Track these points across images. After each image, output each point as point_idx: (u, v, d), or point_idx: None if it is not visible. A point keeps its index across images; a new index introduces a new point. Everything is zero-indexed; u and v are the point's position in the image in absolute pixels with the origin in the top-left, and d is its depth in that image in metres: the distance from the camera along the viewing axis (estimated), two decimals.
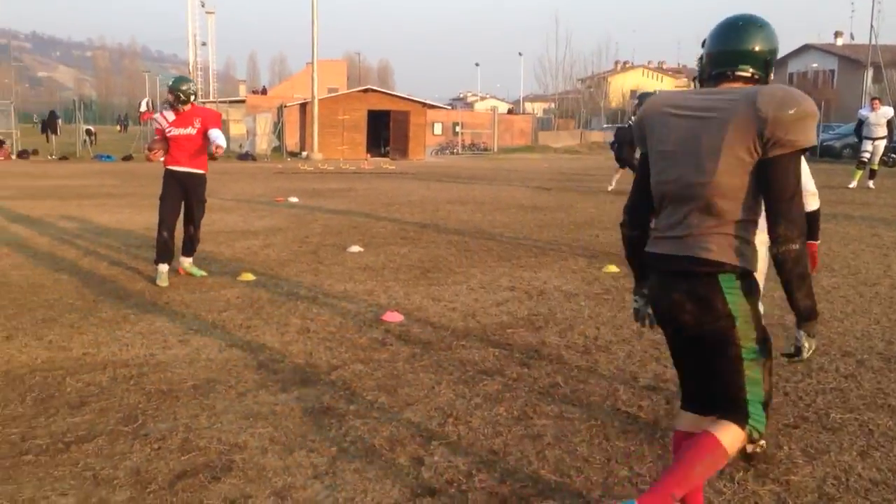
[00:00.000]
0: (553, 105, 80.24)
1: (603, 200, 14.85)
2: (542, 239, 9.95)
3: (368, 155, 35.31)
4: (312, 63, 34.41)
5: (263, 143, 33.13)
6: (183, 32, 65.20)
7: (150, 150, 7.64)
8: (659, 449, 3.65)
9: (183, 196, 7.39)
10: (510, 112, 72.50)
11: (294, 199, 14.37)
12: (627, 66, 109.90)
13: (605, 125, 62.55)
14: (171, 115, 7.34)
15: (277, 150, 34.50)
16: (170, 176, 7.33)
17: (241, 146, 34.14)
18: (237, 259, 8.32)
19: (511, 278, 7.56)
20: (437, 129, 62.63)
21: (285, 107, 36.15)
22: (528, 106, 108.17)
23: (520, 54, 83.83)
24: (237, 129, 36.84)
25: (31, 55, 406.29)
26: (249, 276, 7.34)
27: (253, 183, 18.90)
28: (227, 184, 18.60)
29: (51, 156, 30.44)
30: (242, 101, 47.63)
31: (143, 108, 31.53)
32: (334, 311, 6.18)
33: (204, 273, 7.50)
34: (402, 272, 7.79)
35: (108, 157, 30.28)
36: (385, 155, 36.19)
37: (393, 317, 5.96)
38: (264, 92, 62.69)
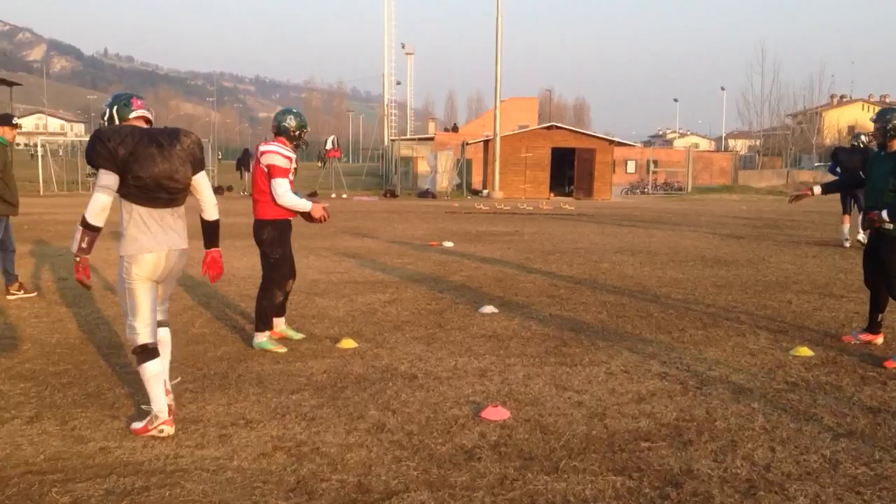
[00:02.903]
0: (758, 142, 75.30)
1: (804, 254, 12.68)
2: (717, 304, 8.23)
3: (552, 194, 34.05)
4: (495, 99, 33.74)
5: (444, 181, 32.75)
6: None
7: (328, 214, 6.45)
8: None
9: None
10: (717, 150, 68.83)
11: (449, 244, 13.36)
12: (845, 99, 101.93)
13: (816, 164, 57.55)
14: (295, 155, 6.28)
15: (460, 187, 34.04)
16: (287, 226, 6.33)
17: (423, 184, 34.03)
18: (349, 319, 7.31)
19: (666, 359, 6.01)
20: (631, 167, 60.58)
21: (467, 144, 35.70)
22: (732, 143, 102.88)
23: (722, 88, 79.65)
24: (421, 167, 36.87)
25: (253, 97, 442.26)
26: (350, 343, 6.27)
27: (418, 223, 18.18)
28: (392, 223, 18.02)
29: (242, 192, 31.59)
30: (431, 139, 48.05)
31: (329, 146, 32.15)
32: (427, 400, 4.95)
33: (302, 335, 6.52)
34: (532, 344, 6.44)
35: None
36: (569, 194, 34.77)
37: (496, 414, 4.64)
38: (455, 129, 63.24)
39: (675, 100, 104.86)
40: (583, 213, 23.00)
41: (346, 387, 5.19)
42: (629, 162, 60.90)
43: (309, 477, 3.74)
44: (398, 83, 67.06)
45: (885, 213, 5.86)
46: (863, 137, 13.82)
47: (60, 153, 38.29)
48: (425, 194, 31.67)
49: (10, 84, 37.15)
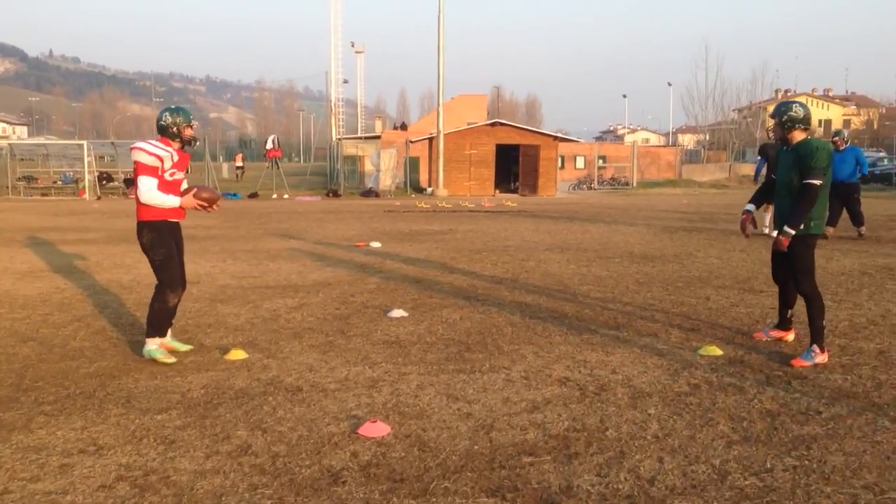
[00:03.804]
0: (705, 136, 76.12)
1: (732, 247, 12.60)
2: (634, 302, 8.03)
3: (497, 191, 33.86)
4: (438, 96, 33.44)
5: (387, 180, 32.35)
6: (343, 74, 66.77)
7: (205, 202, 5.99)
8: None
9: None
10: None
11: (376, 245, 13.01)
12: (789, 94, 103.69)
13: (758, 156, 58.28)
14: (174, 154, 5.88)
15: (404, 185, 33.69)
16: (168, 229, 5.93)
17: (368, 183, 33.61)
18: (248, 327, 6.94)
19: (571, 363, 5.76)
20: (580, 162, 60.75)
21: (412, 142, 35.34)
22: (681, 138, 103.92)
23: (669, 84, 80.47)
24: (368, 166, 36.43)
25: (204, 97, 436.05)
26: (239, 354, 5.91)
27: (353, 223, 17.80)
28: (326, 223, 17.62)
29: None
30: (378, 137, 47.59)
31: (269, 145, 31.57)
32: (305, 416, 4.62)
33: (189, 347, 6.14)
34: (434, 350, 6.15)
35: (234, 195, 30.32)
36: (514, 191, 34.63)
37: (374, 430, 4.33)
38: (404, 127, 62.78)
39: (624, 96, 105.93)
40: (523, 210, 22.83)
41: (221, 403, 4.84)
42: (578, 158, 61.02)
43: None
44: (345, 81, 66.58)
45: (785, 232, 5.66)
46: (844, 134, 13.82)
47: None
48: (368, 193, 31.25)
49: None
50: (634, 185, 40.85)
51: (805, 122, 5.70)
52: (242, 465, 3.89)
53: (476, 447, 4.16)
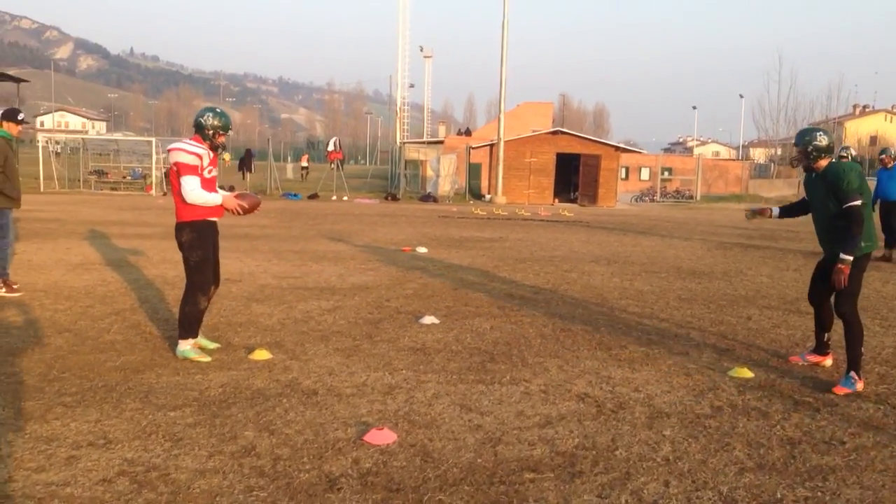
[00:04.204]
0: (777, 151, 74.24)
1: (786, 266, 12.24)
2: (672, 318, 7.85)
3: (556, 200, 33.61)
4: (500, 102, 33.36)
5: (446, 185, 32.40)
6: (411, 79, 67.29)
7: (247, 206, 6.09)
8: None
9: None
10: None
11: (422, 250, 13.03)
12: (867, 109, 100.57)
13: None
14: (209, 152, 5.96)
15: (463, 191, 33.71)
16: (208, 229, 6.00)
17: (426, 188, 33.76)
18: (278, 327, 7.01)
19: (594, 379, 5.66)
20: (645, 174, 59.96)
21: (472, 148, 35.35)
22: (753, 152, 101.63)
23: (741, 96, 78.80)
24: (429, 171, 36.59)
25: (276, 98, 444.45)
26: (264, 355, 5.97)
27: (405, 227, 17.87)
28: (378, 226, 17.73)
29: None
30: (441, 142, 47.78)
31: (331, 147, 31.94)
32: (314, 420, 4.63)
33: (217, 345, 6.23)
34: (458, 359, 6.11)
35: (295, 195, 30.76)
36: (574, 200, 34.32)
37: (380, 437, 4.32)
38: (468, 133, 62.96)
39: (694, 107, 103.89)
40: (578, 220, 22.60)
41: (235, 403, 4.89)
42: (643, 169, 60.24)
43: None
44: (412, 85, 66.94)
45: (843, 260, 5.45)
46: (891, 151, 13.27)
47: (69, 150, 38.29)
48: (427, 198, 31.35)
49: (18, 80, 37.25)
50: (698, 198, 40.09)
51: (829, 150, 5.59)
52: (243, 466, 3.91)
53: (480, 460, 4.10)
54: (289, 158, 67.95)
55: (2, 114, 8.10)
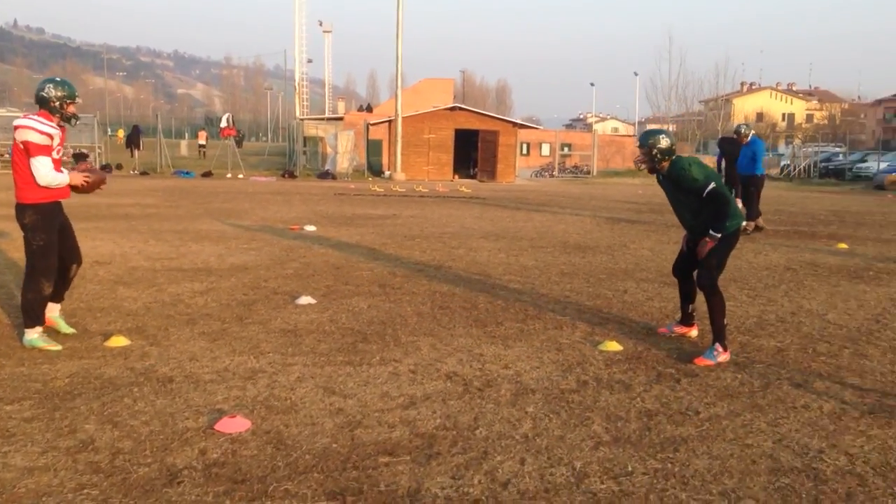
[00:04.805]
0: (670, 127, 76.37)
1: (668, 240, 12.54)
2: (552, 293, 7.90)
3: (456, 176, 33.66)
4: (396, 79, 33.08)
5: (345, 162, 31.98)
6: (310, 53, 65.93)
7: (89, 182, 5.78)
8: None
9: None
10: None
11: (311, 228, 12.76)
12: (754, 87, 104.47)
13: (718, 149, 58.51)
14: (58, 131, 5.56)
15: (362, 168, 33.36)
16: (54, 211, 5.62)
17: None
18: (142, 311, 6.69)
19: (465, 357, 5.60)
20: (545, 149, 60.70)
21: (371, 124, 35.00)
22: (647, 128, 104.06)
23: (635, 74, 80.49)
24: (327, 148, 36.05)
25: (172, 73, 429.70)
26: (121, 341, 5.67)
27: (298, 205, 17.50)
28: (270, 205, 17.31)
29: (133, 171, 30.28)
30: (340, 119, 47.13)
31: (224, 123, 31.07)
32: (165, 409, 4.40)
33: (72, 331, 5.89)
34: (330, 340, 5.96)
35: (188, 173, 29.82)
36: (473, 176, 34.45)
37: (232, 425, 4.13)
38: (369, 109, 62.25)
39: (592, 84, 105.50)
40: (475, 196, 22.66)
41: (80, 394, 4.61)
42: (544, 145, 60.96)
43: None
44: (310, 60, 65.96)
45: (712, 236, 5.55)
46: (742, 129, 13.90)
47: None
48: (325, 175, 30.89)
49: None
50: (595, 174, 40.87)
51: (671, 152, 5.72)
52: (77, 463, 3.67)
53: (335, 445, 3.98)
54: (185, 135, 65.89)
55: None
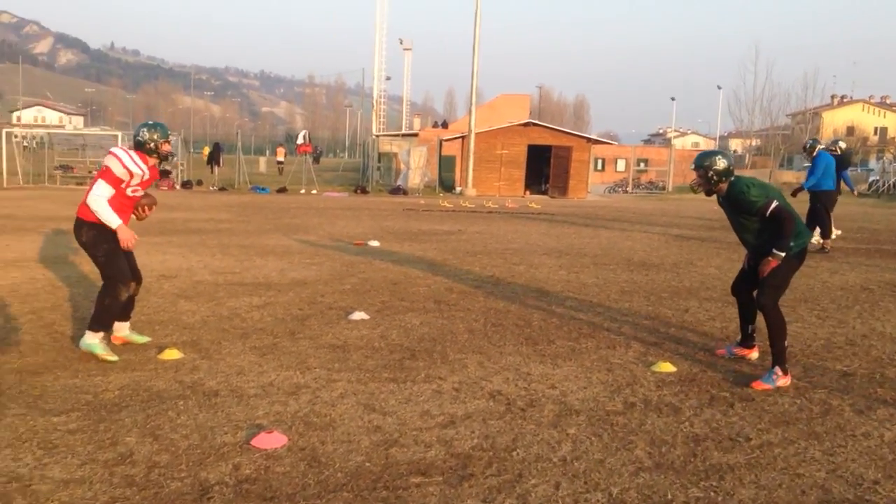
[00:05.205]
0: (754, 142, 74.41)
1: (738, 258, 12.09)
2: (609, 311, 7.72)
3: (528, 192, 33.49)
4: (471, 95, 33.16)
5: (416, 178, 32.18)
6: (388, 71, 66.77)
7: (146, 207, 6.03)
8: None
9: None
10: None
11: (374, 243, 12.84)
12: (845, 100, 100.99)
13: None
14: (146, 173, 5.76)
15: (434, 184, 33.51)
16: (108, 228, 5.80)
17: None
18: (198, 325, 6.81)
19: (512, 375, 5.51)
20: (621, 165, 59.97)
21: (444, 140, 35.16)
22: (732, 143, 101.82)
23: (718, 87, 78.69)
24: (398, 163, 36.38)
25: (257, 92, 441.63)
26: (174, 354, 5.77)
27: (365, 220, 17.66)
28: (338, 220, 17.52)
29: (212, 187, 31.11)
30: (415, 135, 47.49)
31: (300, 140, 31.64)
32: (206, 423, 4.45)
33: (146, 338, 6.12)
34: (377, 356, 5.94)
35: (263, 189, 30.47)
36: (545, 192, 34.21)
37: (268, 441, 4.15)
38: (444, 126, 62.62)
39: (672, 98, 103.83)
40: (544, 212, 22.47)
41: (127, 406, 4.70)
42: (619, 161, 60.25)
43: None
44: (388, 78, 66.63)
45: (775, 255, 5.33)
46: (840, 144, 13.50)
47: (35, 144, 37.71)
48: (396, 191, 31.14)
49: None
50: (670, 189, 40.11)
51: (729, 173, 5.52)
52: (114, 476, 3.73)
53: (368, 464, 3.95)
54: (266, 152, 67.45)
55: None
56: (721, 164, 5.48)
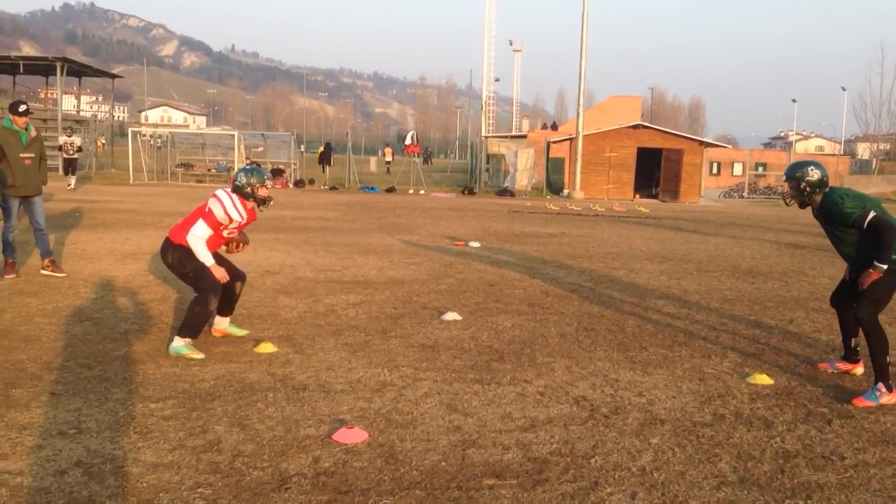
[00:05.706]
0: (881, 146, 70.59)
1: None
2: (709, 319, 7.50)
3: (637, 195, 32.88)
4: (578, 96, 32.80)
5: (524, 179, 32.09)
6: (498, 72, 67.22)
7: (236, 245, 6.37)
8: None
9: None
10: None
11: (475, 244, 12.89)
12: None
13: None
14: (245, 217, 6.05)
15: (541, 186, 33.33)
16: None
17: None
18: (295, 320, 7.01)
19: (599, 381, 5.43)
20: (738, 169, 58.03)
21: (552, 142, 34.92)
22: (859, 147, 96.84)
23: (843, 89, 75.20)
24: (506, 165, 36.37)
25: (370, 93, 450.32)
26: (269, 348, 5.97)
27: (469, 221, 17.74)
28: (441, 220, 17.67)
29: (323, 186, 31.93)
30: (524, 137, 47.38)
31: (408, 141, 32.08)
32: (291, 416, 4.58)
33: (246, 331, 6.40)
34: (465, 357, 5.97)
35: (372, 188, 31.06)
36: (655, 196, 33.48)
37: (349, 436, 4.23)
38: (554, 127, 62.18)
39: (794, 100, 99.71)
40: (652, 217, 22.00)
41: (220, 396, 4.89)
42: (736, 164, 58.33)
43: (82, 502, 3.44)
44: (497, 79, 66.87)
45: (876, 267, 5.06)
46: None
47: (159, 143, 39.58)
48: (503, 192, 31.15)
49: (113, 76, 39.09)
50: None
51: (823, 184, 5.27)
52: (200, 462, 3.89)
53: (444, 464, 3.97)
54: (378, 152, 68.70)
55: (9, 106, 8.43)
56: (814, 174, 5.24)
